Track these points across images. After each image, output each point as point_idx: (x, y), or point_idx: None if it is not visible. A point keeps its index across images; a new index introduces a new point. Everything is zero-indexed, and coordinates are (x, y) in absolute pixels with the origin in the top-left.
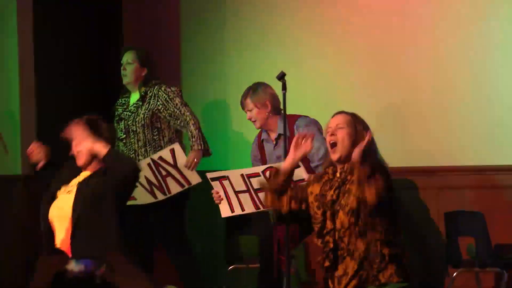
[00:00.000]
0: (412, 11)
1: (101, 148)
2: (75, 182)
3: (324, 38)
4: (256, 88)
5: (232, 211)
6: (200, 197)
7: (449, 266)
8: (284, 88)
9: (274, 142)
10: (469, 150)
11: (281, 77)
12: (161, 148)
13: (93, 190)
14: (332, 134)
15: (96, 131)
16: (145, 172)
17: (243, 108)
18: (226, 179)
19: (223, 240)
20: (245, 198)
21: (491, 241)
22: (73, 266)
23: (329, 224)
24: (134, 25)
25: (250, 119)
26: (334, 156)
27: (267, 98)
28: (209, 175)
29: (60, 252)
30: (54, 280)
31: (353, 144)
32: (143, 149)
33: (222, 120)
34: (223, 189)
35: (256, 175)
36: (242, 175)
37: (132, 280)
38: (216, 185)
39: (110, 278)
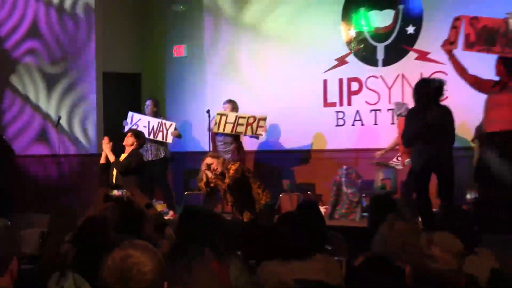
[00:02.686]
0: None
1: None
2: (123, 156)
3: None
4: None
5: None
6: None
7: None
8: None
9: None
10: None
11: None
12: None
13: (125, 161)
14: None
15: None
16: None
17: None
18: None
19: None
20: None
21: None
22: (115, 192)
23: None
24: None
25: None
26: None
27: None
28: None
29: (114, 186)
30: (104, 198)
31: None
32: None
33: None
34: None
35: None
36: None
37: (140, 198)
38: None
39: (131, 198)
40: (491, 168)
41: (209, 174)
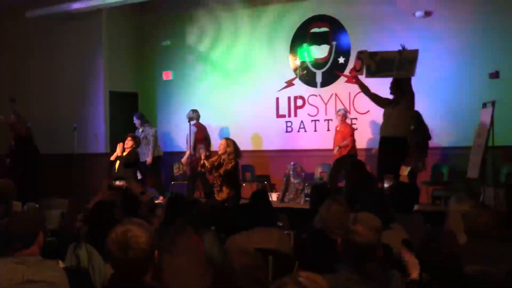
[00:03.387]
0: None
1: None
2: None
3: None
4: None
5: None
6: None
7: None
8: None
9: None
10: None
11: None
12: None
13: (126, 157)
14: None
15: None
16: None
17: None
18: None
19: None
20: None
21: None
22: (116, 182)
23: None
24: None
25: None
26: None
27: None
28: None
29: (116, 178)
30: (108, 187)
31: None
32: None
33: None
34: None
35: None
36: None
37: (136, 187)
38: None
39: (129, 187)
40: (384, 164)
41: (223, 157)
